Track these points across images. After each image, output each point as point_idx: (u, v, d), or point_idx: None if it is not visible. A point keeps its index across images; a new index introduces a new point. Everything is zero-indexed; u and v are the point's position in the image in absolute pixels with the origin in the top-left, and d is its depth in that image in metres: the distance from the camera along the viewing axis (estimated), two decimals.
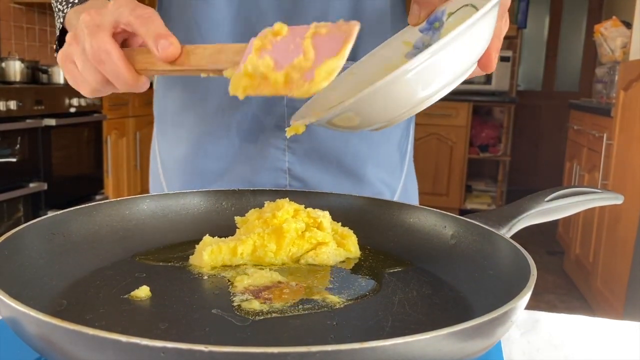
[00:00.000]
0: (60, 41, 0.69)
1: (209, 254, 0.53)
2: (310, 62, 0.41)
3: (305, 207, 0.60)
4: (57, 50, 0.69)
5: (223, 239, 0.56)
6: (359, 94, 0.43)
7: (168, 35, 0.47)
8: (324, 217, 0.58)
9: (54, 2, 0.69)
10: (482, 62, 0.51)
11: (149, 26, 0.48)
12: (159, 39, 0.47)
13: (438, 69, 0.44)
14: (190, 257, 0.55)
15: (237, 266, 0.54)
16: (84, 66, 0.51)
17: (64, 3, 0.66)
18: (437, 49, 0.42)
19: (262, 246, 0.54)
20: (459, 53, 0.45)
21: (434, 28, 0.60)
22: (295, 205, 0.58)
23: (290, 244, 0.55)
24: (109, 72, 0.50)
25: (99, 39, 0.48)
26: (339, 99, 0.57)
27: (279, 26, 0.44)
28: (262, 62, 0.43)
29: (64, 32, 0.66)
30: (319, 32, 0.42)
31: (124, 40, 0.52)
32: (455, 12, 0.58)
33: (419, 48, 0.60)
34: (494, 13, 0.46)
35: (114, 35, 0.50)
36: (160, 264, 0.54)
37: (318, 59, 0.41)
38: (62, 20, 0.66)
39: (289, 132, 0.50)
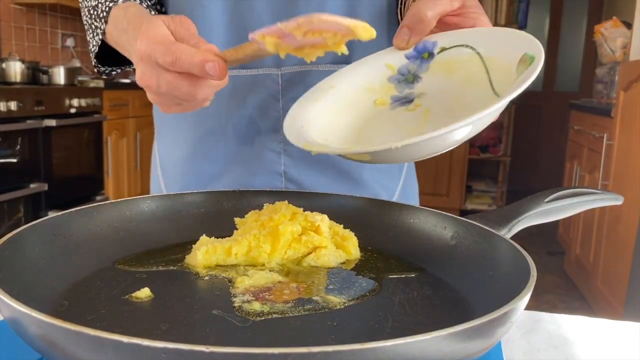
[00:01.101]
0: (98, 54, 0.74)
1: (203, 254, 0.54)
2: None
3: (306, 209, 0.60)
4: (96, 57, 0.75)
5: (220, 239, 0.56)
6: (378, 147, 0.46)
7: (207, 60, 0.50)
8: (322, 221, 0.58)
9: (87, 18, 0.73)
10: None
11: (185, 60, 0.51)
12: (203, 67, 0.50)
13: (463, 135, 0.47)
14: (187, 256, 0.55)
15: (238, 267, 0.54)
16: (193, 101, 0.56)
17: (98, 21, 0.70)
18: (467, 122, 0.44)
19: (257, 247, 0.55)
20: (476, 127, 0.48)
21: (422, 58, 0.59)
22: (293, 209, 0.58)
23: (285, 247, 0.55)
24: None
25: (193, 92, 0.53)
26: (322, 113, 0.59)
27: (296, 22, 0.48)
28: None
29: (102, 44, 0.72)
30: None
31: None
32: (449, 49, 0.58)
33: (403, 74, 0.60)
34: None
35: None
36: (161, 264, 0.54)
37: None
38: (100, 37, 0.71)
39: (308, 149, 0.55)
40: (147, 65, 0.53)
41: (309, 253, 0.56)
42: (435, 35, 0.59)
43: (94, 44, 0.73)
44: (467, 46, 0.56)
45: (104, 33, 0.70)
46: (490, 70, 0.54)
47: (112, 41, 0.70)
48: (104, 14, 0.69)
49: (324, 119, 0.59)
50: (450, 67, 0.58)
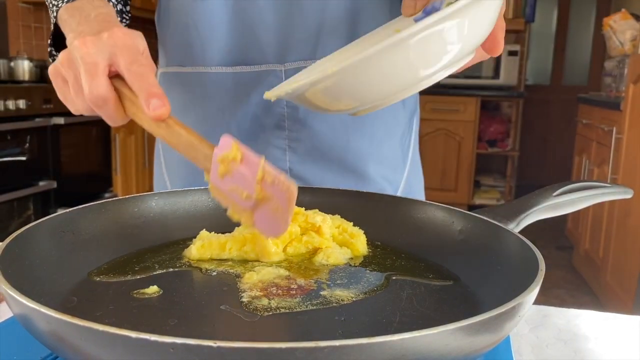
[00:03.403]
0: (55, 37, 0.68)
1: (198, 248, 0.55)
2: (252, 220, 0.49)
3: (312, 204, 0.60)
4: (51, 45, 0.69)
5: (219, 234, 0.57)
6: (347, 61, 0.39)
7: (160, 96, 0.49)
8: (324, 221, 0.58)
9: None
10: (488, 44, 0.49)
11: (142, 83, 0.49)
12: (150, 98, 0.48)
13: (444, 39, 0.40)
14: (185, 250, 0.56)
15: (246, 263, 0.54)
16: (77, 96, 0.52)
17: None
18: (444, 17, 0.39)
19: (252, 242, 0.55)
20: (466, 27, 0.41)
21: None
22: (295, 209, 0.58)
23: (282, 246, 0.55)
24: (102, 113, 0.52)
25: (97, 84, 0.50)
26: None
27: (234, 152, 0.48)
28: (221, 196, 0.50)
29: (57, 28, 0.66)
30: (266, 179, 0.47)
31: (116, 75, 0.52)
32: (455, 1, 0.56)
33: None
34: None
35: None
36: (169, 260, 0.54)
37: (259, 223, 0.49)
38: (55, 14, 0.66)
39: (266, 95, 0.51)
40: (77, 60, 0.51)
41: (310, 253, 0.56)
42: None
43: (52, 21, 0.69)
44: None
45: (57, 10, 0.65)
46: None
47: (61, 25, 0.65)
48: None
49: None
50: None
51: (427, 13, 0.57)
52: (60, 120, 2.88)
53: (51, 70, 0.54)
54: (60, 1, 0.65)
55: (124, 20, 0.75)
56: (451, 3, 0.56)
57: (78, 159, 3.14)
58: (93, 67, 0.50)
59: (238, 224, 0.59)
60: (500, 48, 0.50)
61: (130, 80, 0.50)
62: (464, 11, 0.40)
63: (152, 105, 0.48)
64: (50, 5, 0.68)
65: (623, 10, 3.11)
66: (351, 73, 0.40)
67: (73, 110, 0.55)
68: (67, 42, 0.54)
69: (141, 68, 0.50)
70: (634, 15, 3.03)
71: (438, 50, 0.41)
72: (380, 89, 0.43)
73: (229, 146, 0.48)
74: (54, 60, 0.71)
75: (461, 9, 0.40)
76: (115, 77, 0.51)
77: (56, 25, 0.66)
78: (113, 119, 0.52)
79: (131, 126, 3.66)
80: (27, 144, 2.72)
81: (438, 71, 0.43)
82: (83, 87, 0.50)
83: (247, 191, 0.47)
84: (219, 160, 0.48)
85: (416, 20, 0.57)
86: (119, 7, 0.73)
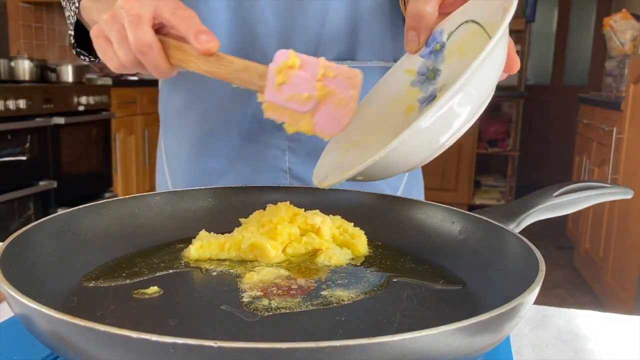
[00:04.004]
0: (76, 29, 0.70)
1: (197, 248, 0.55)
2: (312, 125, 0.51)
3: (312, 205, 0.60)
4: (74, 38, 0.71)
5: (218, 235, 0.57)
6: (370, 160, 0.43)
7: (208, 32, 0.51)
8: (323, 223, 0.58)
9: None
10: (506, 67, 0.50)
11: (189, 23, 0.51)
12: (199, 34, 0.51)
13: (457, 111, 0.43)
14: (184, 249, 0.56)
15: (246, 263, 0.54)
16: (121, 48, 0.54)
17: None
18: (450, 96, 0.41)
19: (251, 248, 0.55)
20: (477, 88, 0.43)
21: (435, 50, 0.58)
22: (294, 210, 0.58)
23: (280, 247, 0.55)
24: (147, 62, 0.53)
25: (142, 32, 0.52)
26: (354, 143, 0.57)
27: (292, 59, 0.50)
28: (277, 110, 0.52)
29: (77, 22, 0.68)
30: (328, 74, 0.49)
31: (158, 30, 0.55)
32: (455, 30, 0.56)
33: (424, 74, 0.58)
34: (506, 34, 0.44)
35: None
36: (170, 260, 0.54)
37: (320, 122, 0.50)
38: (77, 5, 0.68)
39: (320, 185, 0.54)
40: (122, 13, 0.53)
41: (309, 254, 0.56)
42: (440, 23, 0.58)
43: (72, 14, 0.71)
44: (468, 22, 0.55)
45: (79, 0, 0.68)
46: (492, 34, 0.52)
47: (85, 14, 0.68)
48: None
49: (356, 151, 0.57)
50: (461, 48, 0.56)
51: (430, 46, 0.58)
52: (61, 120, 2.88)
53: (94, 31, 0.56)
54: None
55: None
56: (452, 33, 0.56)
57: (78, 158, 3.14)
58: (137, 18, 0.52)
59: (238, 224, 0.60)
60: (517, 65, 0.51)
61: (176, 22, 0.52)
62: (473, 76, 0.41)
63: (201, 39, 0.51)
64: None
65: (623, 10, 3.11)
66: (377, 166, 0.44)
67: (112, 66, 0.56)
68: (93, 26, 0.57)
69: (186, 12, 0.52)
70: (635, 16, 3.03)
71: (453, 120, 0.44)
72: (407, 164, 0.46)
73: (286, 55, 0.50)
74: (77, 54, 0.73)
75: (470, 77, 0.41)
76: (157, 30, 0.54)
77: (76, 22, 0.69)
78: (158, 67, 0.54)
79: (131, 126, 3.66)
80: (28, 144, 2.73)
81: (462, 127, 0.46)
82: (128, 36, 0.52)
83: (308, 92, 0.49)
84: (275, 72, 0.50)
85: (422, 56, 0.58)
86: None
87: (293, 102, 0.50)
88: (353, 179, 0.48)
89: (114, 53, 0.55)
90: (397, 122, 0.58)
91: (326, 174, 0.54)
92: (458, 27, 0.56)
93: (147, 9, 0.52)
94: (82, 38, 0.73)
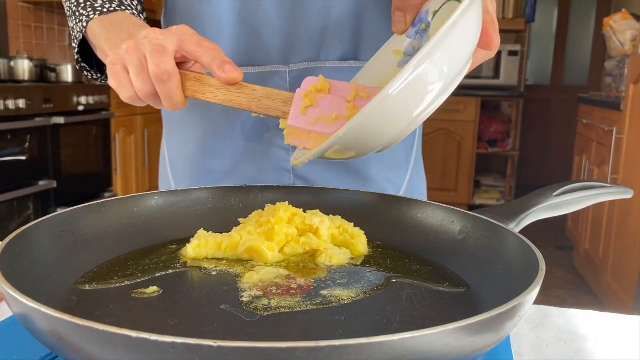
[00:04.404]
0: (80, 45, 0.71)
1: (194, 247, 0.55)
2: None
3: (313, 204, 0.60)
4: (78, 53, 0.71)
5: (216, 234, 0.57)
6: (346, 126, 0.42)
7: (231, 62, 0.52)
8: (322, 223, 0.57)
9: (74, 6, 0.70)
10: (482, 42, 0.48)
11: (214, 54, 0.52)
12: (224, 64, 0.52)
13: (427, 80, 0.42)
14: (182, 248, 0.56)
15: (245, 262, 0.54)
16: (139, 77, 0.54)
17: (89, 9, 0.68)
18: (420, 61, 0.40)
19: (248, 251, 0.55)
20: (446, 57, 0.42)
21: (420, 30, 0.58)
22: (292, 210, 0.58)
23: (278, 248, 0.55)
24: (164, 92, 0.54)
25: (164, 61, 0.53)
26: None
27: (322, 83, 0.50)
28: (300, 136, 0.51)
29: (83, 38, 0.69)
30: (361, 96, 0.48)
31: (178, 64, 0.55)
32: (440, 9, 0.56)
33: (410, 55, 0.59)
34: (478, 5, 0.43)
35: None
36: (169, 260, 0.54)
37: None
38: (84, 24, 0.68)
39: (293, 163, 0.54)
40: (145, 44, 0.54)
41: (308, 254, 0.56)
42: (426, 4, 0.58)
43: (78, 31, 0.71)
44: (451, 0, 0.55)
45: (88, 21, 0.68)
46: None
47: (91, 37, 0.68)
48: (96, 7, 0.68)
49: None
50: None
51: (416, 26, 0.57)
52: (60, 120, 2.88)
53: (111, 59, 0.56)
54: (94, 13, 0.68)
55: None
56: (436, 12, 0.56)
57: (78, 158, 3.14)
58: (161, 48, 0.53)
59: (237, 224, 0.59)
60: (496, 42, 0.50)
61: (201, 54, 0.53)
62: (441, 43, 0.41)
63: (227, 69, 0.52)
64: (78, 14, 0.70)
65: (623, 10, 3.11)
66: (352, 135, 0.43)
67: (125, 96, 0.57)
68: (103, 54, 0.58)
69: (211, 44, 0.53)
70: (634, 16, 3.03)
71: (425, 89, 0.43)
72: (382, 137, 0.45)
73: (315, 80, 0.51)
74: (81, 69, 0.73)
75: (437, 44, 0.40)
76: (177, 65, 0.54)
77: (82, 38, 0.70)
78: (173, 98, 0.54)
79: (131, 126, 3.66)
80: (27, 144, 2.72)
81: (435, 101, 0.45)
82: (149, 65, 0.53)
83: (337, 112, 0.49)
84: (302, 96, 0.50)
85: (409, 37, 0.58)
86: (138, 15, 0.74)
87: (319, 125, 0.49)
88: (333, 154, 0.47)
89: (129, 82, 0.55)
90: None
91: (303, 152, 0.54)
92: (442, 6, 0.56)
93: (171, 41, 0.53)
94: (84, 53, 0.73)
